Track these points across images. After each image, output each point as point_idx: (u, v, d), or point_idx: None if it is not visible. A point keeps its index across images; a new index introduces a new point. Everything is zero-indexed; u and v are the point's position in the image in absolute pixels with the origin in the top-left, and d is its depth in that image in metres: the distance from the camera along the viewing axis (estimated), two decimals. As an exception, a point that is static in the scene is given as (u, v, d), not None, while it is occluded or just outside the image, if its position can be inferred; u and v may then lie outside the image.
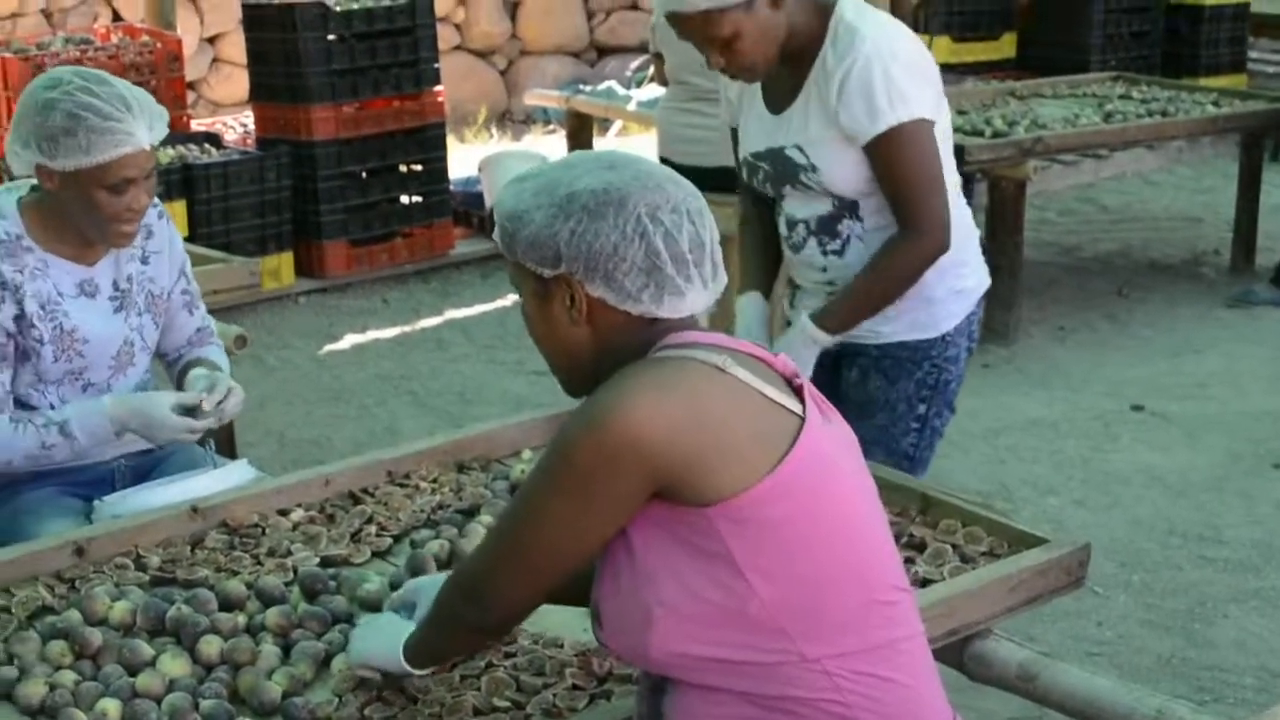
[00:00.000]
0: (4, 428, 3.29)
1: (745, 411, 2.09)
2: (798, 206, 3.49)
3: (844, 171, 3.36)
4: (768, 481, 2.05)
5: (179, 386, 3.57)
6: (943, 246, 3.35)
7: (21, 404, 3.38)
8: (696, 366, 2.10)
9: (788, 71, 3.38)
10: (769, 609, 2.06)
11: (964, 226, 3.53)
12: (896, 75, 3.26)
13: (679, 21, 3.26)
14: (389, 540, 3.08)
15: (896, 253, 3.37)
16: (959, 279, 3.52)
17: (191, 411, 3.33)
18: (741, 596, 2.05)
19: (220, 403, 3.36)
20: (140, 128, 3.22)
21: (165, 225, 3.56)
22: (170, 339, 3.65)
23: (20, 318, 3.32)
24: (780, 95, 3.43)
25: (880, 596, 2.15)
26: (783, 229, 3.57)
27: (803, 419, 2.13)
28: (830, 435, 2.18)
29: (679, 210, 2.17)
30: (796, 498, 2.07)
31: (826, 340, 3.45)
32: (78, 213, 3.29)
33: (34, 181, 3.34)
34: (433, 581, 2.50)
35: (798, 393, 2.17)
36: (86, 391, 3.41)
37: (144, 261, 3.51)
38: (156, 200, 3.51)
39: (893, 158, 3.30)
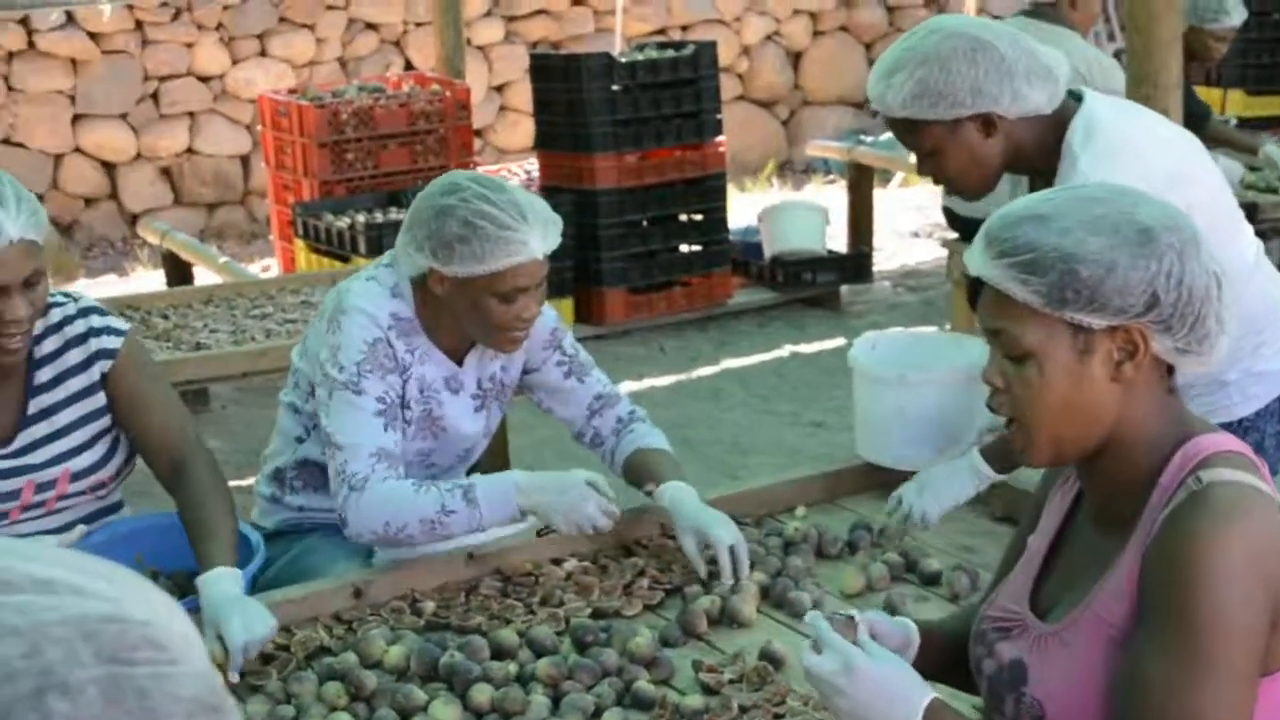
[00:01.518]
0: (406, 489, 3.16)
1: None
2: None
3: None
4: None
5: (626, 476, 3.49)
6: None
7: None
8: (1270, 507, 1.91)
9: (1041, 182, 3.22)
10: None
11: (1267, 301, 3.32)
12: None
13: (885, 120, 3.16)
14: (660, 594, 3.08)
15: None
16: (1258, 360, 3.30)
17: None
18: None
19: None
20: (535, 237, 3.15)
21: None
22: (568, 410, 3.57)
23: (401, 393, 3.31)
24: None
25: None
26: None
27: None
28: None
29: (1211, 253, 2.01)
30: None
31: (992, 475, 3.30)
32: (466, 317, 3.25)
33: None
34: None
35: None
36: (429, 471, 3.43)
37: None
38: None
39: None
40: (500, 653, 2.80)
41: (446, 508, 3.11)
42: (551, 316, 3.54)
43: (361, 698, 2.67)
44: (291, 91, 8.75)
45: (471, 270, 3.15)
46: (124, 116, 11.00)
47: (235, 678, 2.73)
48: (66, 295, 3.18)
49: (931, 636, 2.29)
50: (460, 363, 3.40)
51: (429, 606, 3.03)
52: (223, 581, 2.86)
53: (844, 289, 8.77)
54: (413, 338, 3.30)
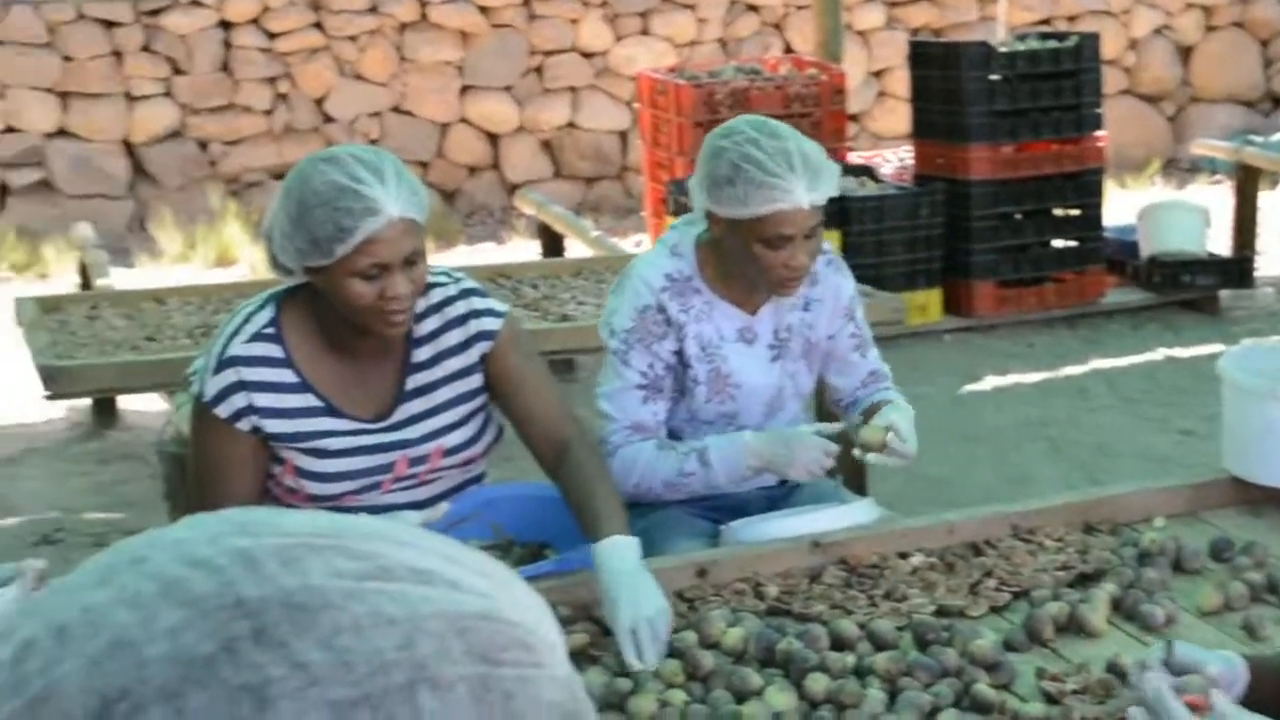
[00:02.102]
0: (650, 452, 3.35)
1: None
2: None
3: None
4: None
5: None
6: None
7: (674, 438, 3.47)
8: None
9: None
10: None
11: None
12: None
13: None
14: (1007, 596, 3.01)
15: None
16: None
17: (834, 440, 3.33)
18: None
19: (877, 458, 3.34)
20: (799, 186, 3.20)
21: (832, 272, 3.53)
22: (843, 382, 3.64)
23: (679, 355, 3.40)
24: None
25: None
26: None
27: None
28: None
29: None
30: None
31: None
32: (738, 259, 3.33)
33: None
34: None
35: None
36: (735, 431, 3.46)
37: (805, 309, 3.51)
38: (827, 248, 3.50)
39: None
40: (839, 643, 2.77)
41: (684, 471, 3.31)
42: (850, 285, 3.59)
43: (698, 677, 2.68)
44: (671, 70, 8.84)
45: (737, 213, 3.24)
46: (509, 89, 11.27)
47: (636, 663, 2.72)
48: (448, 275, 3.23)
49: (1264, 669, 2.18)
50: (754, 313, 3.46)
51: (771, 591, 3.03)
52: (617, 552, 2.87)
53: (1224, 293, 8.47)
54: (689, 297, 3.39)
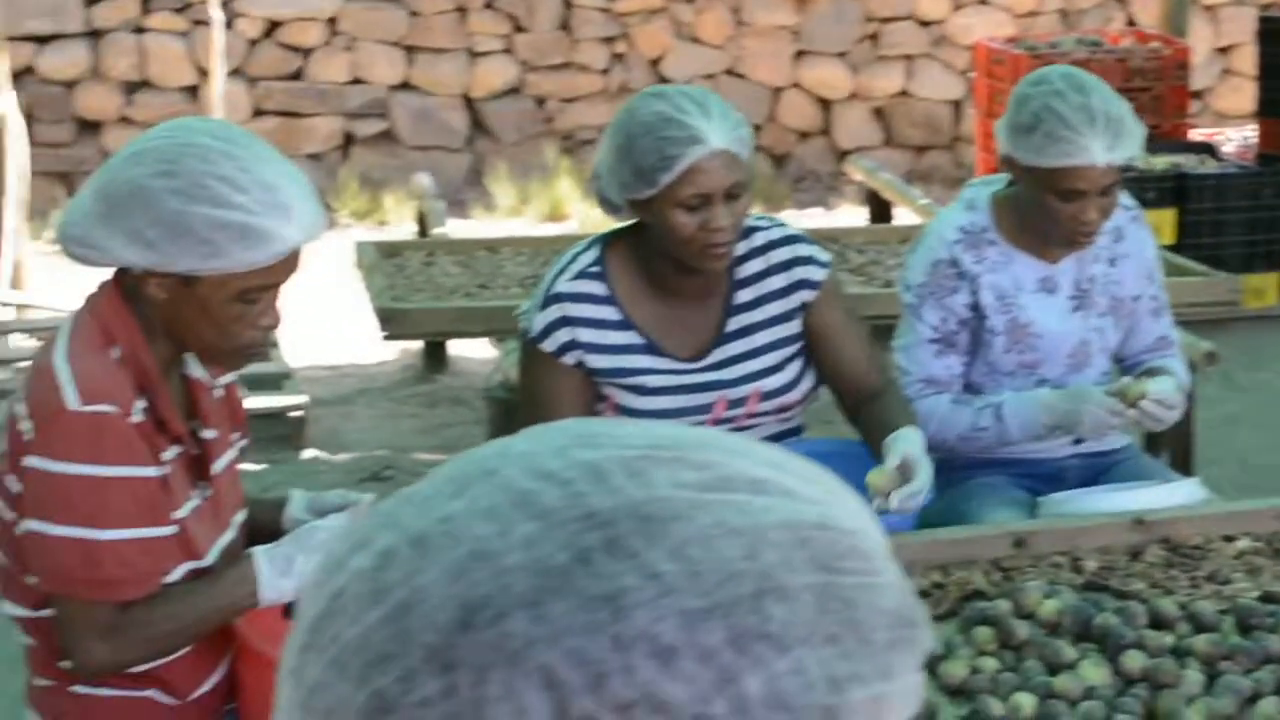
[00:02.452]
0: (945, 405, 3.40)
1: None
2: None
3: None
4: None
5: None
6: None
7: (973, 392, 3.47)
8: None
9: None
10: None
11: None
12: None
13: None
14: (1338, 586, 2.92)
15: None
16: None
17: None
18: None
19: (1149, 404, 3.28)
20: (1097, 144, 3.20)
21: (1137, 229, 3.54)
22: (1132, 343, 3.62)
23: (975, 307, 3.41)
24: None
25: None
26: None
27: None
28: None
29: None
30: None
31: None
32: (1032, 208, 3.35)
33: (1009, 176, 3.44)
34: None
35: None
36: (1040, 386, 3.44)
37: (1110, 264, 3.50)
38: (1131, 204, 3.53)
39: None
40: (1158, 622, 2.73)
41: (978, 425, 3.36)
42: (1152, 243, 3.59)
43: (1010, 646, 2.66)
44: (1009, 40, 8.72)
45: (1033, 161, 3.25)
46: (843, 55, 11.22)
47: (888, 497, 2.92)
48: (770, 220, 3.31)
49: None
50: (1055, 262, 3.46)
51: (1090, 565, 2.99)
52: (908, 435, 3.02)
53: None
54: (983, 248, 3.41)
